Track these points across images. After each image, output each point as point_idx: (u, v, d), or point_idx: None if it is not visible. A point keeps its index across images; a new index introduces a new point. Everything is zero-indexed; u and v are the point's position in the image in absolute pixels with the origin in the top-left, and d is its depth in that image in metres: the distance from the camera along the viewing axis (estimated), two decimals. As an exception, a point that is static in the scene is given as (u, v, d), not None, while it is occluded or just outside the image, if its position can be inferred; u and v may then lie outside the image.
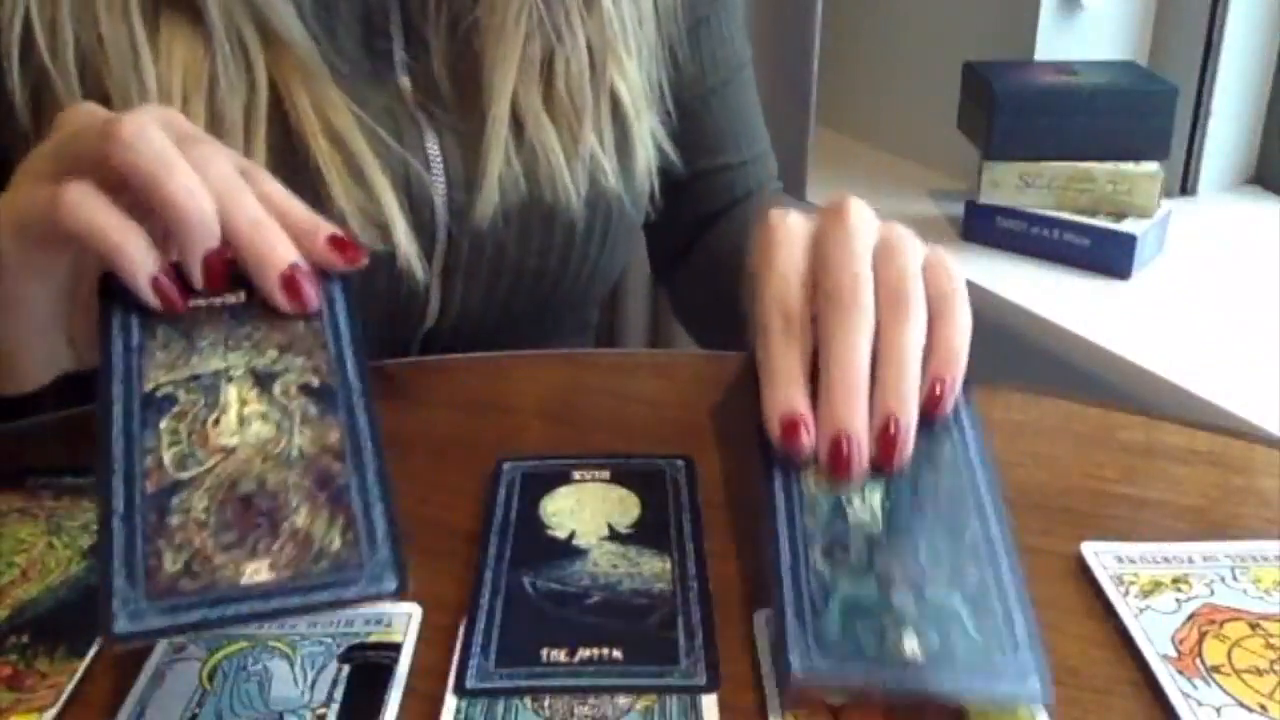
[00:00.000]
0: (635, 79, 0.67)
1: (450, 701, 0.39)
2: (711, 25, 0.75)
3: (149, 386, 0.40)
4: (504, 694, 0.39)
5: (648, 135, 0.68)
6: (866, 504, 0.43)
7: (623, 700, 0.39)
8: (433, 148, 0.63)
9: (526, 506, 0.49)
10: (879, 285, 0.46)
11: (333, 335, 0.43)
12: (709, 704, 0.39)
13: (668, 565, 0.46)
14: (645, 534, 0.48)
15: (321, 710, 0.39)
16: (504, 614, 0.43)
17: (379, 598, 0.36)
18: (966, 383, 0.47)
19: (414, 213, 0.62)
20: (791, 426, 0.44)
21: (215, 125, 0.57)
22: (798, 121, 1.37)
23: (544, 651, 0.41)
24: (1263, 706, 0.39)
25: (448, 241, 0.64)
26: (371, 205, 0.60)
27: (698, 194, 0.78)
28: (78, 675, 0.40)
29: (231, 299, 0.43)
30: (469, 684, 0.40)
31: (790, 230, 0.49)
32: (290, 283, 0.42)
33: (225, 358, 0.41)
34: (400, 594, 0.36)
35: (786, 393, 0.45)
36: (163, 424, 0.39)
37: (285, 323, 0.43)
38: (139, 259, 0.41)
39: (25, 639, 0.42)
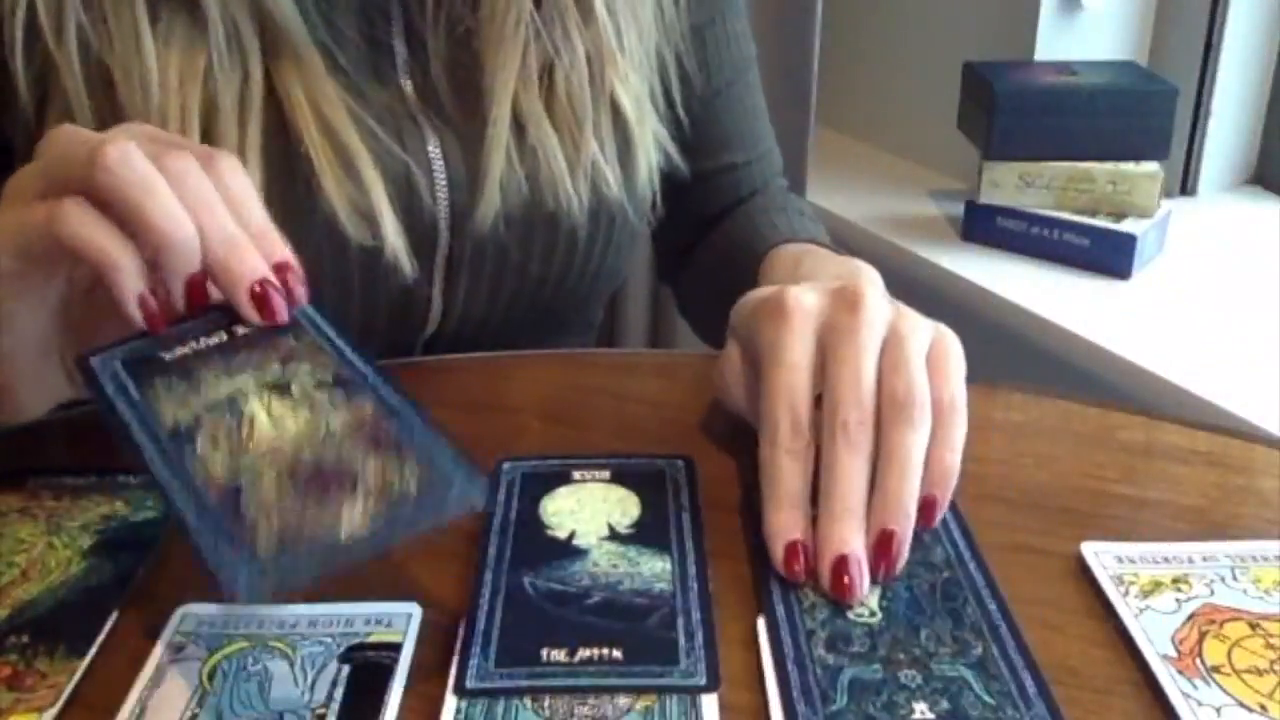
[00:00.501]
0: (637, 88, 0.67)
1: (450, 701, 0.39)
2: (716, 27, 0.75)
3: (170, 423, 0.41)
4: (504, 694, 0.39)
5: (650, 142, 0.68)
6: (865, 605, 0.44)
7: (623, 700, 0.39)
8: (434, 150, 0.63)
9: (526, 506, 0.49)
10: (884, 391, 0.47)
11: (327, 343, 0.44)
12: (709, 704, 0.39)
13: (668, 565, 0.46)
14: (645, 534, 0.48)
15: (321, 710, 0.39)
16: (504, 614, 0.43)
17: (471, 510, 0.38)
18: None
19: (413, 214, 0.62)
20: (792, 553, 0.45)
21: (210, 113, 0.57)
22: (798, 121, 1.37)
23: (544, 651, 0.41)
24: (1263, 706, 0.39)
25: (449, 245, 0.64)
26: (362, 199, 0.59)
27: (704, 193, 0.78)
28: (78, 675, 0.40)
29: (214, 341, 0.44)
30: (469, 684, 0.40)
31: (803, 318, 0.49)
32: (260, 297, 0.44)
33: (233, 382, 0.42)
34: (483, 502, 0.39)
35: (789, 517, 0.46)
36: (200, 445, 0.40)
37: (278, 342, 0.44)
38: (130, 274, 0.43)
39: (25, 639, 0.42)
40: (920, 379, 0.47)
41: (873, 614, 0.44)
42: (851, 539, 0.45)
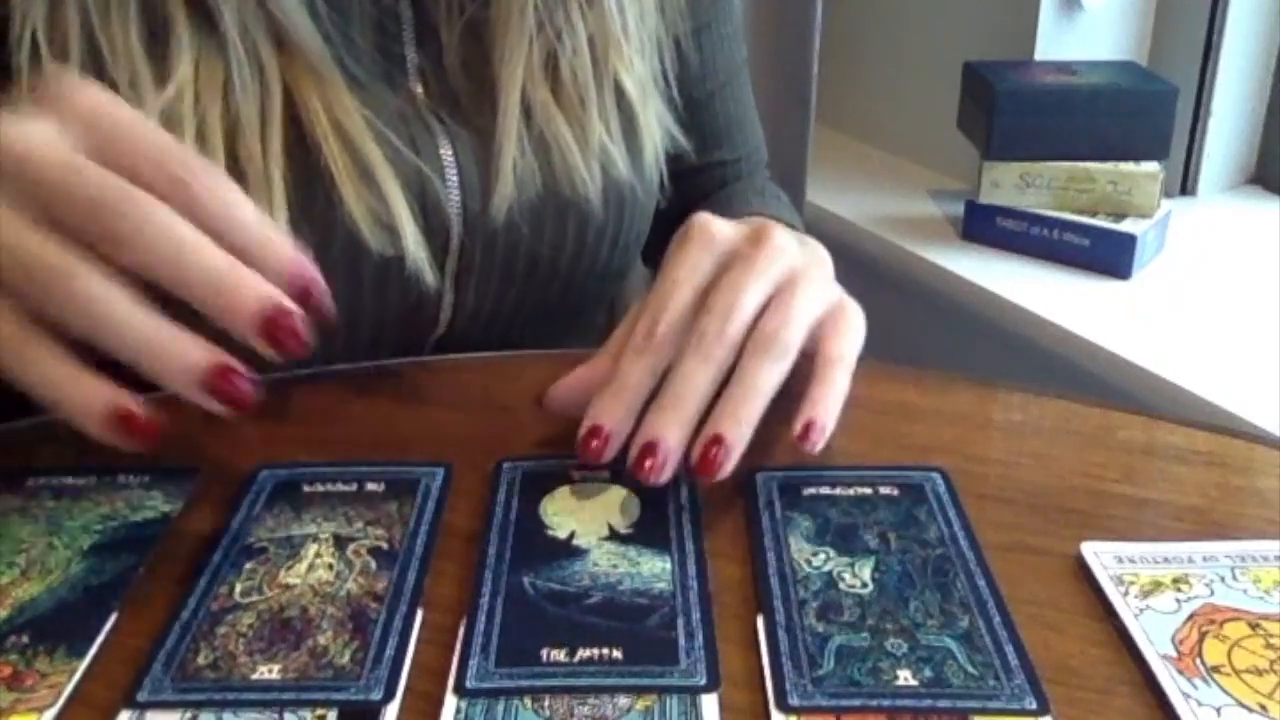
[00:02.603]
0: (639, 69, 0.68)
1: (450, 701, 0.39)
2: (714, 30, 0.77)
3: (249, 541, 0.47)
4: (504, 694, 0.39)
5: (654, 123, 0.69)
6: (857, 577, 0.45)
7: (623, 700, 0.39)
8: (446, 153, 0.63)
9: (526, 506, 0.49)
10: (756, 327, 0.47)
11: (416, 517, 0.49)
12: (709, 704, 0.39)
13: (668, 565, 0.46)
14: (645, 534, 0.48)
15: (322, 711, 0.39)
16: (504, 614, 0.43)
17: (366, 704, 0.39)
18: (946, 475, 0.51)
19: (426, 218, 0.62)
20: (593, 433, 0.47)
21: (234, 130, 0.57)
22: (798, 121, 1.37)
23: (544, 651, 0.41)
24: (1263, 706, 0.39)
25: (461, 247, 0.65)
26: (382, 209, 0.60)
27: (692, 186, 0.80)
28: (78, 675, 0.40)
29: (343, 487, 0.50)
30: (469, 684, 0.40)
31: (706, 241, 0.49)
32: (267, 328, 0.42)
33: (319, 525, 0.48)
34: (385, 702, 0.39)
35: (610, 404, 0.47)
36: (247, 565, 0.46)
37: (380, 507, 0.49)
38: (86, 405, 0.41)
39: (25, 639, 0.42)
40: (797, 325, 0.47)
41: (864, 586, 0.45)
42: (667, 430, 0.45)
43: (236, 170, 0.57)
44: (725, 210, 0.75)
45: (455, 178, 0.63)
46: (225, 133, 0.57)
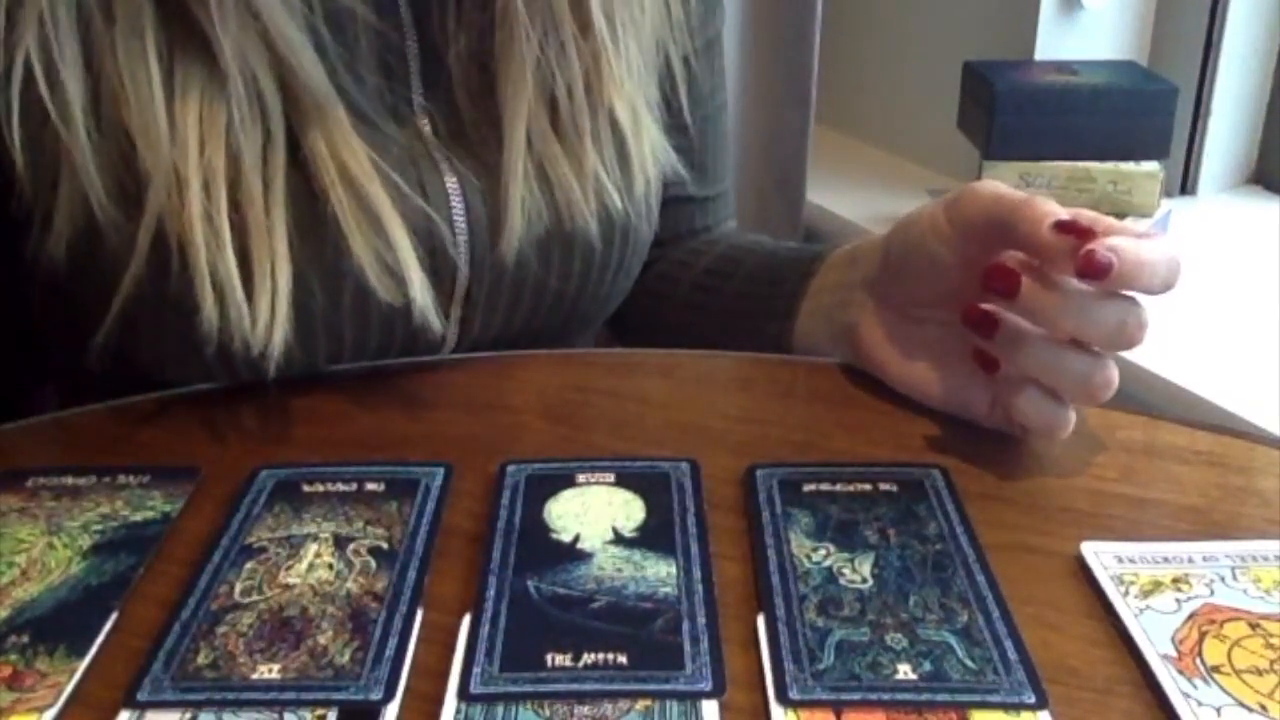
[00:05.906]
0: (633, 96, 0.66)
1: (450, 702, 0.39)
2: (701, 59, 0.76)
3: (249, 540, 0.48)
4: (508, 699, 0.39)
5: (648, 153, 0.68)
6: (857, 572, 0.46)
7: (623, 700, 0.39)
8: (454, 191, 0.62)
9: (530, 510, 0.49)
10: None
11: (416, 517, 0.49)
12: (709, 704, 0.39)
13: (673, 569, 0.46)
14: (650, 537, 0.48)
15: (321, 711, 0.39)
16: (508, 618, 0.43)
17: (366, 704, 0.39)
18: (945, 471, 0.52)
19: (434, 259, 0.61)
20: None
21: (234, 170, 0.55)
22: (798, 121, 1.37)
23: (549, 656, 0.41)
24: (1263, 706, 0.39)
25: (468, 286, 0.63)
26: (390, 256, 0.58)
27: (664, 217, 0.78)
28: (78, 675, 0.41)
29: (343, 487, 0.51)
30: (474, 689, 0.40)
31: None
32: None
33: (319, 525, 0.49)
34: (385, 702, 0.39)
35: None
36: (247, 565, 0.46)
37: (380, 506, 0.50)
38: None
39: (25, 639, 0.42)
40: None
41: (864, 581, 0.45)
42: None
43: (237, 218, 0.54)
44: (774, 248, 0.75)
45: (463, 216, 0.62)
46: (227, 176, 0.54)
